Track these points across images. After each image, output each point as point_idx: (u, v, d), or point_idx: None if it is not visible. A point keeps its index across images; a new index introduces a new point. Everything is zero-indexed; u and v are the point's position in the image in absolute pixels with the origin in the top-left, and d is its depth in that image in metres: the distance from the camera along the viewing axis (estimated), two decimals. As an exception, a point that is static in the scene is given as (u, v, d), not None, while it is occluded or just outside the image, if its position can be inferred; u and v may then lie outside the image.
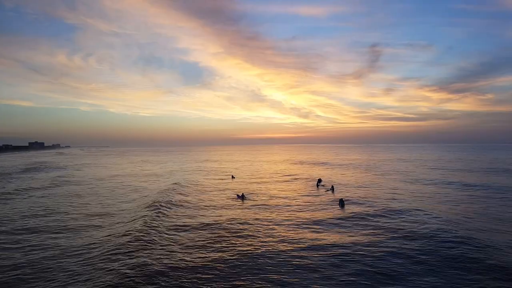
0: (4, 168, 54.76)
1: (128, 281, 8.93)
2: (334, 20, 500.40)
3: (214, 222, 15.88)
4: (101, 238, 13.33)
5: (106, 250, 11.66)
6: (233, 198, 23.28)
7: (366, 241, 12.58)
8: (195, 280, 9.21)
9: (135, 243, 12.12)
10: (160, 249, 11.78)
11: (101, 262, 10.45)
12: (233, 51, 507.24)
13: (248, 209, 19.52)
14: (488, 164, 53.24)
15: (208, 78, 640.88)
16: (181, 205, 20.47)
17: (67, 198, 24.32)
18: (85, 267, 10.18)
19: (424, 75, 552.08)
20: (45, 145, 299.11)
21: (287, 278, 9.34)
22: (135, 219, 16.24)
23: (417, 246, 11.79)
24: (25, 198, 24.15)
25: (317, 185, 29.16)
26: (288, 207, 19.85)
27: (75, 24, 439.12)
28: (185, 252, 11.50)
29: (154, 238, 12.99)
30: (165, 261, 10.55)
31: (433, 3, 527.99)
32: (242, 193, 23.75)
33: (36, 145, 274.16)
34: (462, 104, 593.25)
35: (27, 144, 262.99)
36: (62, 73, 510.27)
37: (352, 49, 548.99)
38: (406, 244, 12.03)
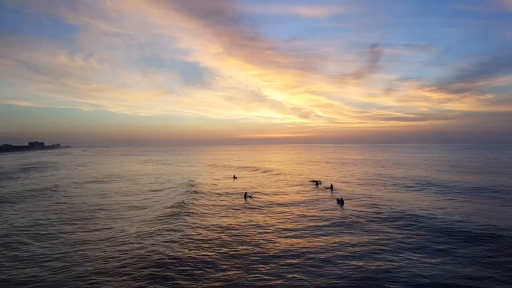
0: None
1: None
2: (334, 21, 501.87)
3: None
4: None
5: None
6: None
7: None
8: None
9: None
10: None
11: None
12: (234, 52, 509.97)
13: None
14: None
15: (208, 78, 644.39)
16: None
17: None
18: None
19: (424, 75, 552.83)
20: (45, 145, 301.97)
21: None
22: None
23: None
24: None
25: (316, 185, 31.50)
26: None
27: (77, 24, 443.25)
28: None
29: None
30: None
31: (433, 4, 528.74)
32: (245, 192, 25.66)
33: (36, 145, 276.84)
34: (462, 104, 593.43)
35: (27, 144, 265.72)
36: (63, 73, 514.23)
37: (352, 49, 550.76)
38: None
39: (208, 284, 9.68)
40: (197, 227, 16.19)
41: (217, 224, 16.64)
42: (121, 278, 10.06)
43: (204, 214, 19.25)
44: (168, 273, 10.36)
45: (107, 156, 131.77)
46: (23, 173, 48.95)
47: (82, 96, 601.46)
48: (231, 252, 12.41)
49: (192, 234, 14.73)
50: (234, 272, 10.58)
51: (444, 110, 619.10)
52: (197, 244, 13.39)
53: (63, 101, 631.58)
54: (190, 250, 12.62)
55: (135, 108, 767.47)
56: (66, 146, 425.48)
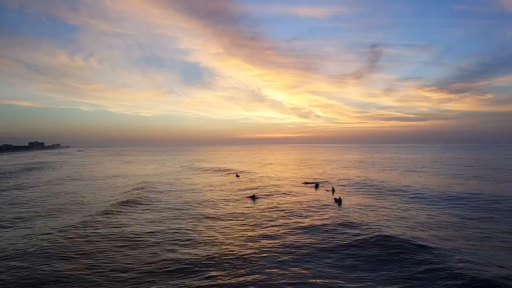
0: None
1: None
2: (334, 21, 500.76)
3: None
4: None
5: None
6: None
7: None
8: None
9: None
10: None
11: None
12: (234, 52, 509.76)
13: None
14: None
15: (208, 78, 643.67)
16: None
17: None
18: None
19: (424, 75, 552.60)
20: (45, 145, 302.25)
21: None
22: None
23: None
24: None
25: (316, 188, 31.13)
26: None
27: (77, 24, 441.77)
28: None
29: None
30: None
31: (433, 4, 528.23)
32: (253, 194, 25.44)
33: (36, 145, 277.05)
34: (462, 104, 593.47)
35: (27, 144, 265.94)
36: (63, 73, 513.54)
37: (352, 49, 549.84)
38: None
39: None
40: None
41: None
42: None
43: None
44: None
45: (99, 155, 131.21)
46: None
47: (82, 96, 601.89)
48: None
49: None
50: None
51: (444, 110, 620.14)
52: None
53: (63, 101, 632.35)
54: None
55: (135, 108, 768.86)
56: (66, 146, 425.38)
